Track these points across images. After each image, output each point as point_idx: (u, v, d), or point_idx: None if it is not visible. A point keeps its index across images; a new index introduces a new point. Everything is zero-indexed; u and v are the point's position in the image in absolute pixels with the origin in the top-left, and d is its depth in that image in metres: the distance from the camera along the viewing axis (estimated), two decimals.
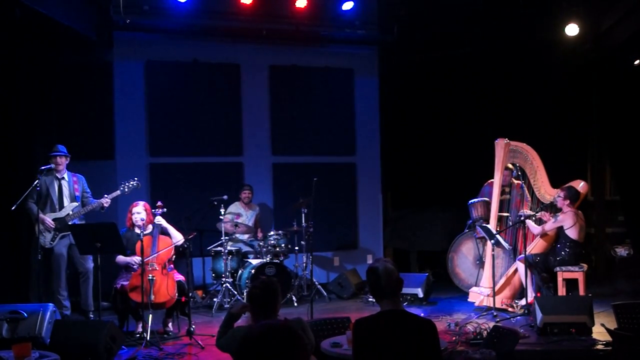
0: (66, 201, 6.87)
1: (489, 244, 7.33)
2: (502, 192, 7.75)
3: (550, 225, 7.07)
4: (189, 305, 6.25)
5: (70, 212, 6.83)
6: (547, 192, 7.30)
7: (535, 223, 7.27)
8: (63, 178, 6.89)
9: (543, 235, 7.24)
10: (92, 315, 6.94)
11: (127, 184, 6.79)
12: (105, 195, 6.83)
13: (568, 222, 6.91)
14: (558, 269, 6.94)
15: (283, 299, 7.47)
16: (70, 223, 6.71)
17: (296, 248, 8.42)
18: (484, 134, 8.06)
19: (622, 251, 9.73)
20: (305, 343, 2.19)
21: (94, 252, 5.91)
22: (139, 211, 6.45)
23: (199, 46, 8.90)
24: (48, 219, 6.70)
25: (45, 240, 6.70)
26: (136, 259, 6.23)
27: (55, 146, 6.86)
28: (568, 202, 6.97)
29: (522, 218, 7.15)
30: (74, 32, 7.42)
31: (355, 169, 9.69)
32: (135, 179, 6.87)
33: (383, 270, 3.27)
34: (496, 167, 7.62)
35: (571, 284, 7.00)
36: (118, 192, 6.78)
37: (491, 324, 5.83)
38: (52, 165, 6.56)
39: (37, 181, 6.36)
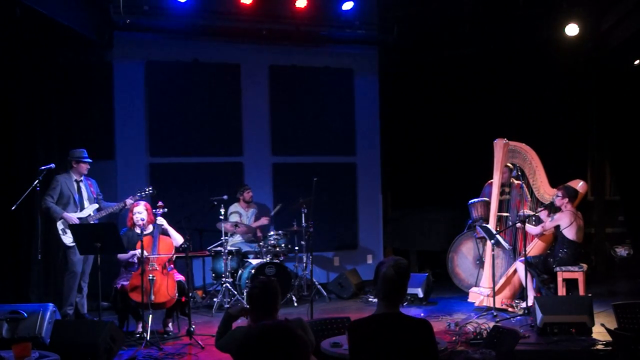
0: (86, 203, 6.94)
1: (489, 244, 7.33)
2: (502, 192, 7.74)
3: (548, 225, 7.07)
4: (189, 305, 6.26)
5: (92, 213, 6.89)
6: (546, 192, 7.29)
7: (534, 222, 7.27)
8: (81, 180, 6.96)
9: (541, 236, 7.24)
10: (88, 315, 6.94)
11: (144, 190, 6.85)
12: (131, 197, 6.88)
13: (565, 221, 6.90)
14: (558, 269, 6.94)
15: (283, 299, 7.46)
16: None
17: (296, 248, 8.41)
18: (484, 134, 8.05)
19: (622, 251, 9.73)
20: (305, 343, 2.19)
21: (94, 252, 5.91)
22: (140, 211, 6.47)
23: (199, 46, 8.90)
24: (74, 217, 6.73)
25: (67, 238, 6.71)
26: (138, 252, 6.24)
27: (81, 151, 6.92)
28: (567, 200, 6.95)
29: (522, 218, 7.15)
30: (74, 32, 7.42)
31: (355, 169, 9.69)
32: (151, 187, 6.92)
33: (382, 275, 3.25)
34: (495, 167, 7.62)
35: (571, 284, 6.99)
36: (136, 196, 6.81)
37: (491, 324, 5.83)
38: (53, 165, 6.53)
39: (56, 181, 6.67)
